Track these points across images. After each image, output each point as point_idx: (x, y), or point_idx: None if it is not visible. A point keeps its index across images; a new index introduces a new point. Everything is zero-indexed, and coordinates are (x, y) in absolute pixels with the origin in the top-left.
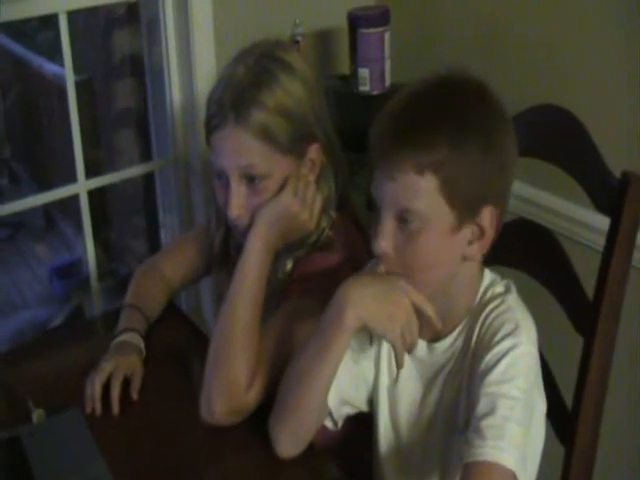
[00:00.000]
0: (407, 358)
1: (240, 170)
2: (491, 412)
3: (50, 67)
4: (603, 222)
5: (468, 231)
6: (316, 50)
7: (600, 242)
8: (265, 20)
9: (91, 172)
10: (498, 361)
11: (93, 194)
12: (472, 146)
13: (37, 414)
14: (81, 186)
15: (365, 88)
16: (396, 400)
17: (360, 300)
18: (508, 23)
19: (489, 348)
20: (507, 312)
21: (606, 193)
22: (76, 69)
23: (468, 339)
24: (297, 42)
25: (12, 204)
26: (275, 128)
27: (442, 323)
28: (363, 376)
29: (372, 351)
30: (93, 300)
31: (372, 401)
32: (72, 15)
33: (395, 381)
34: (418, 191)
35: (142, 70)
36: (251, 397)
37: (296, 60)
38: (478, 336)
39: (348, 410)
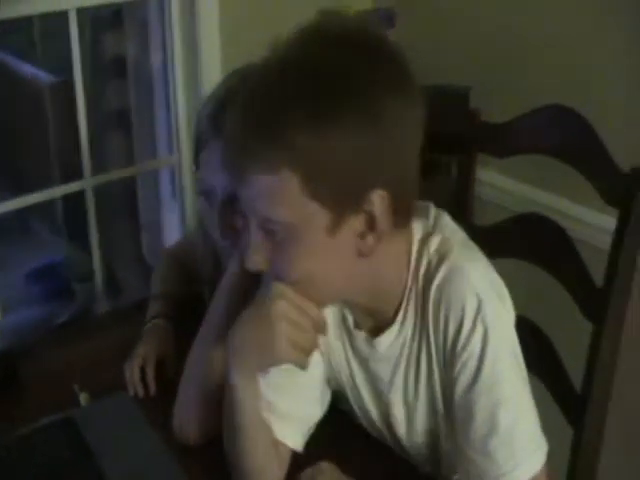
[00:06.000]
0: (355, 362)
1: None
2: (493, 430)
3: (26, 68)
4: (608, 222)
5: (355, 223)
6: None
7: (605, 241)
8: (271, 22)
9: (71, 176)
10: (479, 366)
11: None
12: (339, 126)
13: (84, 397)
14: (87, 182)
15: None
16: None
17: (238, 351)
18: (511, 26)
19: (459, 343)
20: (461, 281)
21: (615, 187)
22: (53, 70)
23: (420, 321)
24: None
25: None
26: None
27: (377, 317)
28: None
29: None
30: (98, 298)
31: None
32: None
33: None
34: (275, 195)
35: (126, 71)
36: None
37: None
38: (435, 318)
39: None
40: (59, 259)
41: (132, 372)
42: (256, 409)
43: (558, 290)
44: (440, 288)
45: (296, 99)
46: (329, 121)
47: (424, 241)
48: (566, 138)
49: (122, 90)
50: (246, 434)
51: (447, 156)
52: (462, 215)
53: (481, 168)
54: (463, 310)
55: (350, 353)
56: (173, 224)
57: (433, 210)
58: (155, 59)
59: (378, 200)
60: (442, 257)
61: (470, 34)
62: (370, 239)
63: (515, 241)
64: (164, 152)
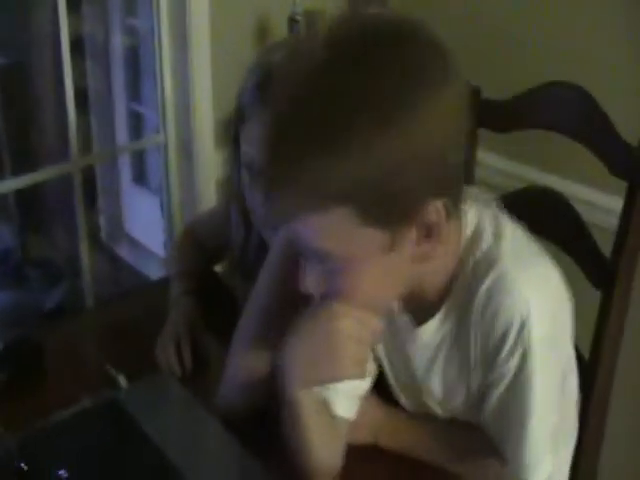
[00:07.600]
0: (393, 342)
1: None
2: (523, 435)
3: None
4: (613, 203)
5: (412, 234)
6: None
7: (609, 221)
8: None
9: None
10: (514, 381)
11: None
12: (384, 147)
13: (122, 379)
14: (74, 164)
15: None
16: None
17: (296, 367)
18: (508, 21)
19: (500, 355)
20: (510, 294)
21: (624, 159)
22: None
23: (463, 318)
24: (296, 21)
25: None
26: None
27: (419, 302)
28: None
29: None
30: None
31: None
32: None
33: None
34: (328, 231)
35: (85, 53)
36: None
37: None
38: (478, 322)
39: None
40: (12, 245)
41: (167, 351)
42: (319, 419)
43: (563, 261)
44: (488, 295)
45: (316, 134)
46: (362, 149)
47: (475, 238)
48: (570, 113)
49: (81, 72)
50: (312, 443)
51: None
52: None
53: (482, 149)
54: (508, 326)
55: (388, 333)
56: (134, 208)
57: (493, 203)
58: (115, 41)
59: (434, 210)
60: (492, 262)
61: (467, 29)
62: (427, 246)
63: (520, 213)
64: (123, 136)
